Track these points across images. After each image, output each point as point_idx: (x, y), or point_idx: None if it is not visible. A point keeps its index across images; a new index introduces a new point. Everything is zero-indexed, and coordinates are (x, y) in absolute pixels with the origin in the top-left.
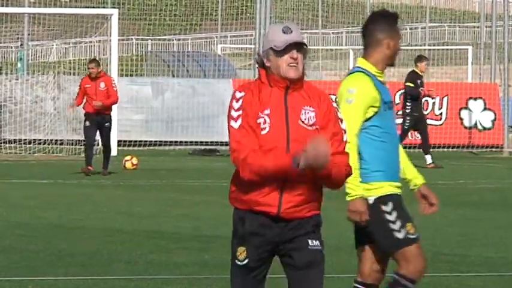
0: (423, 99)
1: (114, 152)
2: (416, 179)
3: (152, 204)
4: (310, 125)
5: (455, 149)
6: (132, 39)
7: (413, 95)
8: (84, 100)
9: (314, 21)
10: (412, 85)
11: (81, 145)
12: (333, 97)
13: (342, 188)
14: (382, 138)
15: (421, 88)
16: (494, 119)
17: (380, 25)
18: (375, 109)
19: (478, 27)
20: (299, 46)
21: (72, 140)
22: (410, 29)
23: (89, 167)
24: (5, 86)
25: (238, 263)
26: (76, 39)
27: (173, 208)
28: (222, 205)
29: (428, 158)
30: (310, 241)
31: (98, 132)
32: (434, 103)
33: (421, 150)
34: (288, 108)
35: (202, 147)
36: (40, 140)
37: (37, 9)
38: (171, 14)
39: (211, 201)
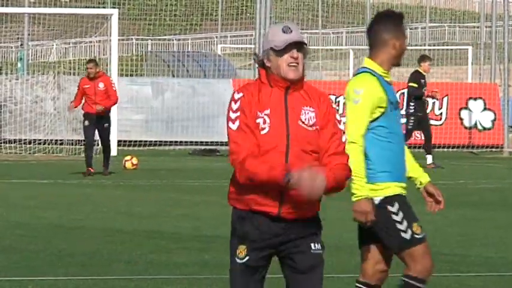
0: (426, 100)
1: (114, 152)
2: (422, 177)
3: (152, 204)
4: (310, 125)
5: (455, 149)
6: (132, 39)
7: (417, 96)
8: (83, 100)
9: (314, 21)
10: (415, 85)
11: (81, 145)
12: (333, 97)
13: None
14: (388, 138)
15: (425, 88)
16: (494, 119)
17: (386, 25)
18: (382, 110)
19: (478, 27)
20: (299, 45)
21: (72, 140)
22: (411, 29)
23: (90, 169)
24: (5, 86)
25: (239, 261)
26: (76, 39)
27: (173, 208)
28: (222, 205)
29: (429, 158)
30: (312, 245)
31: (97, 132)
32: (434, 103)
33: (422, 150)
34: (287, 109)
35: (203, 147)
36: (40, 140)
37: (37, 9)
38: (171, 14)
39: (211, 201)
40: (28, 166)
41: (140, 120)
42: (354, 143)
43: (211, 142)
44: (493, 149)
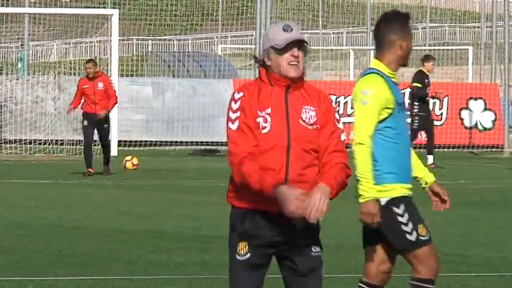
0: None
1: (114, 152)
2: (427, 177)
3: (152, 205)
4: (311, 124)
5: (455, 149)
6: (132, 39)
7: (421, 96)
8: (82, 100)
9: (314, 22)
10: (419, 85)
11: (81, 145)
12: (333, 97)
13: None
14: (395, 139)
15: (429, 88)
16: (495, 119)
17: (392, 26)
18: (389, 110)
19: (478, 27)
20: (300, 44)
21: (73, 140)
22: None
23: (90, 170)
24: (6, 86)
25: (239, 258)
26: (76, 40)
27: (173, 208)
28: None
29: (430, 159)
30: (313, 247)
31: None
32: (434, 103)
33: (424, 150)
34: (288, 107)
35: (203, 147)
36: (40, 140)
37: (37, 10)
38: (172, 14)
39: (211, 201)
40: (28, 166)
41: (141, 121)
42: (361, 144)
43: (211, 142)
44: (494, 149)
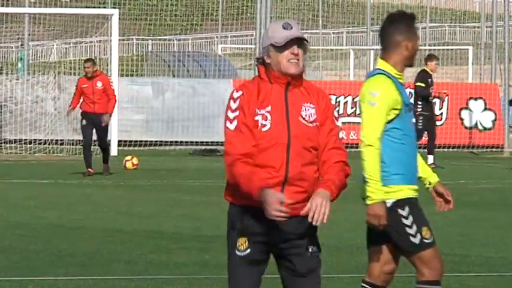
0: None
1: (114, 152)
2: (431, 177)
3: (152, 204)
4: (311, 122)
5: (455, 149)
6: (132, 39)
7: (424, 95)
8: (81, 100)
9: (314, 22)
10: (423, 85)
11: (81, 145)
12: (333, 97)
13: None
14: (402, 140)
15: (432, 88)
16: (495, 119)
17: (398, 27)
18: (397, 111)
19: (478, 27)
20: (300, 42)
21: (73, 140)
22: None
23: (89, 170)
24: (6, 86)
25: (239, 253)
26: (76, 39)
27: (173, 208)
28: (222, 205)
29: (430, 158)
30: (310, 247)
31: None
32: (434, 103)
33: (424, 149)
34: (288, 105)
35: (203, 147)
36: (40, 140)
37: (37, 9)
38: (172, 14)
39: (211, 201)
40: (28, 166)
41: (141, 120)
42: (370, 146)
43: (211, 142)
44: (494, 149)
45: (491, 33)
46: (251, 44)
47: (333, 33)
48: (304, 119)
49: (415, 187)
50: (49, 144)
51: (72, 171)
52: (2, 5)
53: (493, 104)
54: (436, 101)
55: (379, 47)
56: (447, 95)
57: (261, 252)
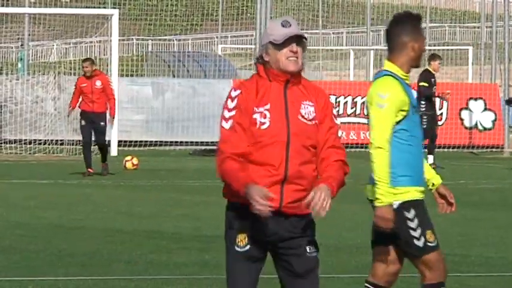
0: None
1: (114, 152)
2: (434, 179)
3: (152, 205)
4: (310, 120)
5: (455, 150)
6: (132, 39)
7: (427, 95)
8: (80, 99)
9: (314, 22)
10: (426, 85)
11: (81, 145)
12: (333, 97)
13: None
14: (409, 141)
15: (434, 87)
16: (495, 119)
17: (404, 28)
18: (404, 113)
19: (478, 27)
20: (298, 39)
21: (73, 140)
22: None
23: (89, 170)
24: (6, 86)
25: (238, 249)
26: (76, 40)
27: (173, 208)
28: (222, 205)
29: (431, 158)
30: (308, 248)
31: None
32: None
33: (424, 149)
34: (287, 103)
35: (203, 147)
36: (40, 140)
37: (37, 10)
38: (172, 14)
39: (211, 201)
40: (28, 166)
41: (140, 121)
42: (380, 148)
43: (211, 142)
44: (494, 149)
45: (491, 34)
46: (251, 44)
47: (333, 33)
48: (303, 116)
49: (422, 189)
50: (49, 145)
51: (72, 171)
52: (2, 5)
53: (493, 104)
54: (437, 101)
55: (379, 47)
56: (450, 96)
57: (259, 250)
